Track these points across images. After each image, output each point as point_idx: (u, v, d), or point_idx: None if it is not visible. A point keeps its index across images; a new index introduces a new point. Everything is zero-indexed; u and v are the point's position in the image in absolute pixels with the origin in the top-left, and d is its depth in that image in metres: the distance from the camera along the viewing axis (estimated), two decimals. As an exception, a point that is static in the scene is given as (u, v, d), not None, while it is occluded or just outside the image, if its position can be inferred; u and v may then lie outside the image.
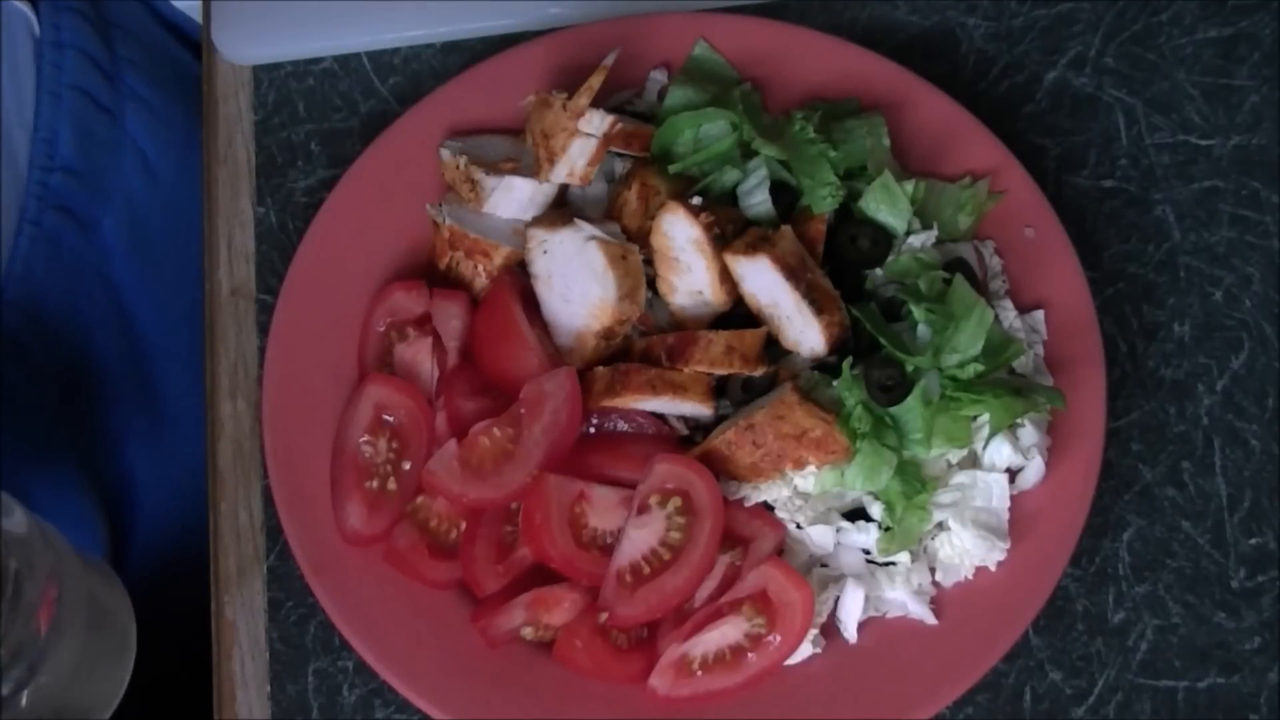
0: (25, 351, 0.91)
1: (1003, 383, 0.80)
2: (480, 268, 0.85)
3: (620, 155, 0.87)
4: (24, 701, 0.69)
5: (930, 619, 0.80)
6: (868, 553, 0.81)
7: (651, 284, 0.84)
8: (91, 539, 0.96)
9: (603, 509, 0.79)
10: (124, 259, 0.97)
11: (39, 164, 0.91)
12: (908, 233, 0.85)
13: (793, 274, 0.80)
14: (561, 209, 0.87)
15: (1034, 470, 0.81)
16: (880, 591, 0.80)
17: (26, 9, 0.91)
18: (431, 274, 0.87)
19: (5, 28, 0.90)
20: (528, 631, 0.80)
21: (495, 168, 0.86)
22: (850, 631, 0.80)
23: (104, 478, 0.98)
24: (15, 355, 0.91)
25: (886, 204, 0.85)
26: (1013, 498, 0.81)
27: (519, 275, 0.85)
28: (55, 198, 0.92)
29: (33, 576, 0.69)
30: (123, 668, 0.77)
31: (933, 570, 0.81)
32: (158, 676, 1.06)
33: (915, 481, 0.79)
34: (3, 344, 0.90)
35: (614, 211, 0.86)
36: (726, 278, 0.82)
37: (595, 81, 0.83)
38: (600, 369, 0.81)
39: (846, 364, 0.79)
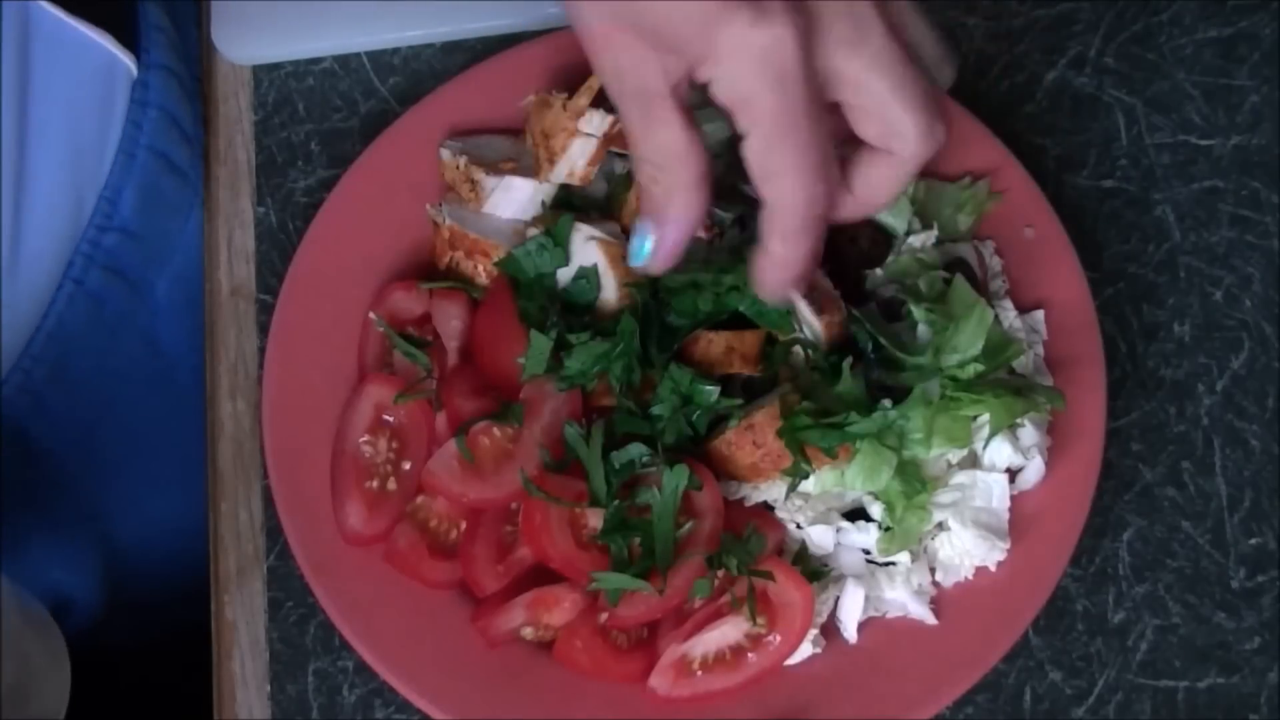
0: (44, 404, 0.91)
1: (1003, 383, 0.80)
2: (480, 268, 0.85)
3: (620, 155, 0.87)
4: None
5: (930, 619, 0.80)
6: (868, 553, 0.81)
7: (652, 284, 0.84)
8: (84, 589, 0.96)
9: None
10: (175, 320, 0.96)
11: (95, 223, 0.90)
12: (908, 233, 0.85)
13: (793, 274, 0.80)
14: (561, 209, 0.87)
15: (1034, 470, 0.81)
16: (880, 591, 0.80)
17: (131, 64, 0.89)
18: (431, 274, 0.87)
19: (112, 79, 0.89)
20: (528, 631, 0.80)
21: (495, 168, 0.86)
22: (850, 631, 0.80)
23: (118, 526, 0.99)
24: (34, 407, 0.91)
25: (886, 204, 0.85)
26: (1013, 498, 0.81)
27: (519, 275, 0.85)
28: (106, 257, 0.90)
29: None
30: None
31: (933, 570, 0.81)
32: (157, 677, 1.06)
33: (915, 481, 0.79)
34: (24, 395, 0.90)
35: (614, 211, 0.86)
36: (726, 278, 0.82)
37: (595, 82, 0.83)
38: (600, 369, 0.81)
39: (846, 364, 0.79)
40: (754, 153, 0.66)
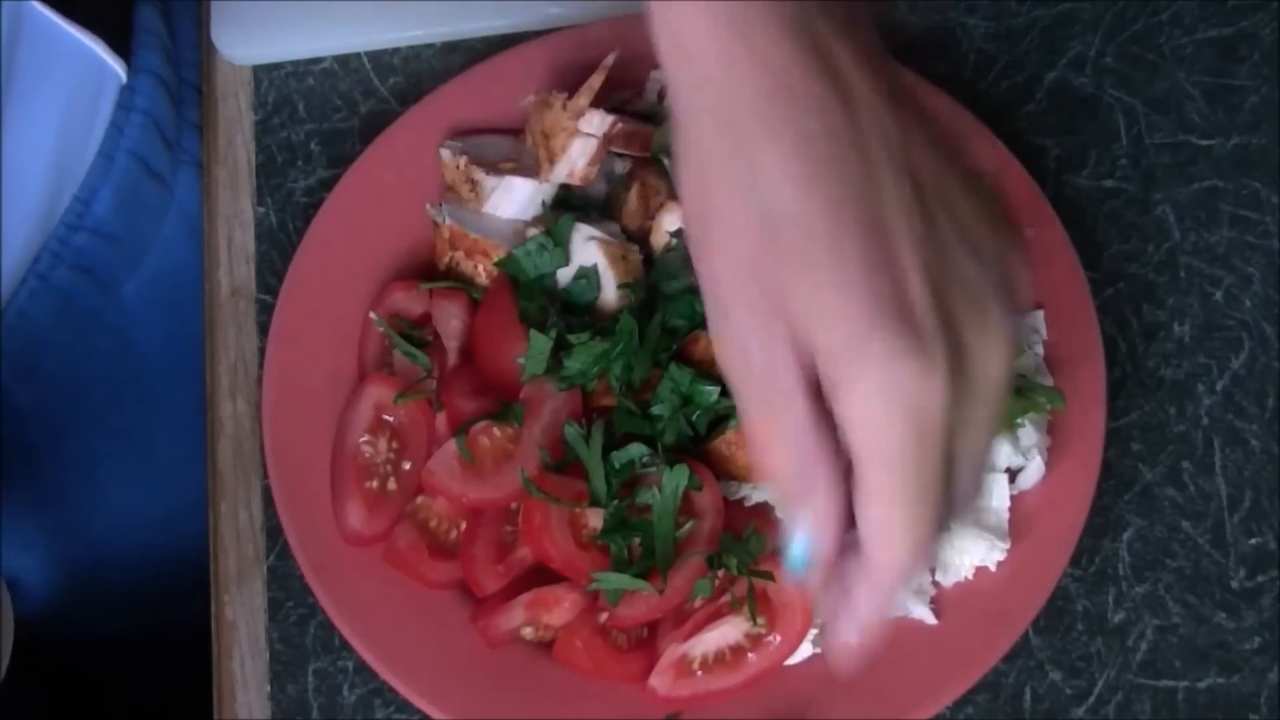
0: (5, 395, 0.91)
1: (1003, 383, 0.80)
2: (480, 268, 0.85)
3: (620, 155, 0.87)
4: None
5: (930, 619, 0.80)
6: (868, 553, 0.81)
7: (651, 284, 0.84)
8: (33, 571, 0.97)
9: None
10: (148, 321, 0.96)
11: (67, 222, 0.89)
12: (908, 233, 0.85)
13: (793, 274, 0.80)
14: (561, 209, 0.87)
15: (1034, 470, 0.82)
16: (880, 591, 0.80)
17: (121, 70, 0.89)
18: (431, 274, 0.87)
19: (100, 85, 0.89)
20: (528, 631, 0.80)
21: (495, 168, 0.86)
22: (850, 631, 0.80)
23: (84, 517, 0.99)
24: None
25: (886, 204, 0.85)
26: (1013, 498, 0.81)
27: (519, 275, 0.85)
28: (75, 256, 0.90)
29: None
30: None
31: (933, 570, 0.81)
32: (157, 677, 1.07)
33: (915, 481, 0.79)
34: None
35: (614, 211, 0.86)
36: (726, 278, 0.82)
37: (595, 82, 0.83)
38: (600, 369, 0.81)
39: (846, 364, 0.79)
40: (872, 509, 0.56)
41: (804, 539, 0.59)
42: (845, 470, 0.57)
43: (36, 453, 0.95)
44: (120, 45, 0.89)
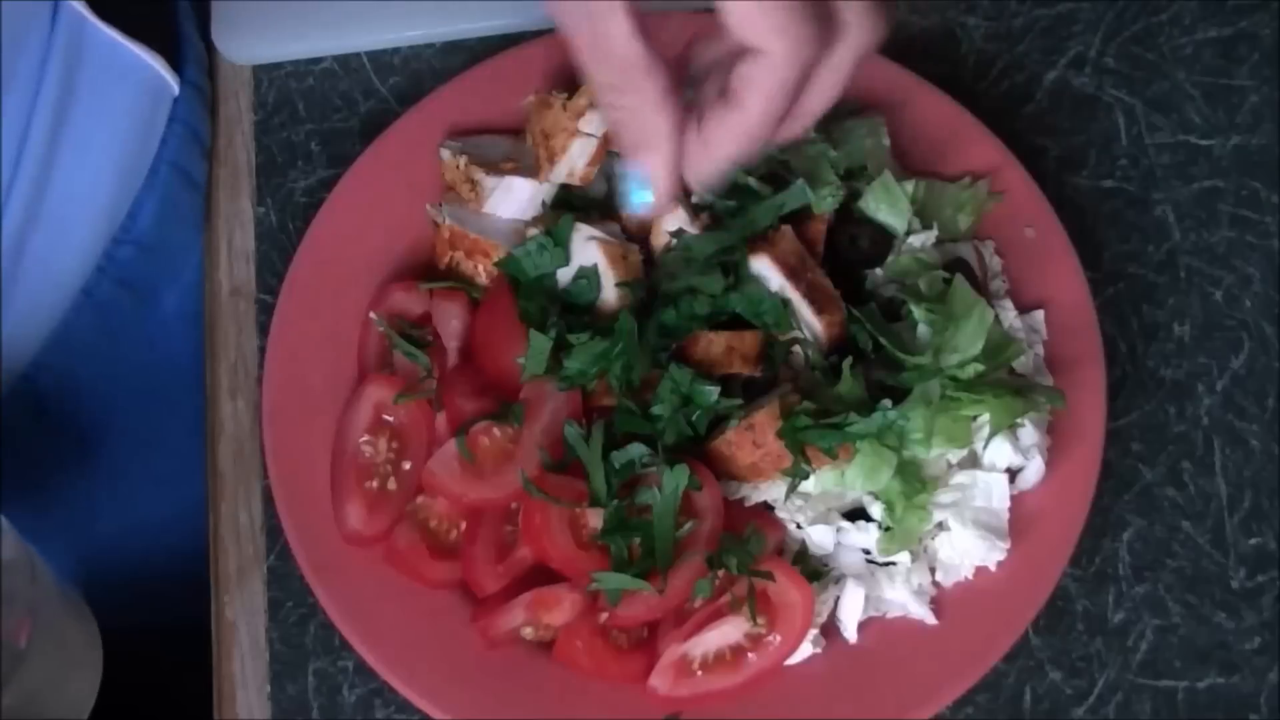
0: (44, 406, 0.92)
1: (1003, 383, 0.80)
2: (480, 268, 0.85)
3: (620, 155, 0.87)
4: None
5: (930, 619, 0.80)
6: (868, 553, 0.81)
7: (652, 284, 0.84)
8: (53, 568, 0.98)
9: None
10: (181, 329, 0.97)
11: (116, 237, 0.90)
12: (908, 233, 0.85)
13: (793, 274, 0.80)
14: (561, 209, 0.87)
15: (1034, 470, 0.82)
16: (880, 591, 0.80)
17: (175, 85, 0.89)
18: (431, 274, 0.87)
19: (157, 102, 0.89)
20: (528, 631, 0.80)
21: (495, 168, 0.86)
22: (850, 631, 0.80)
23: (102, 519, 1.00)
24: (32, 406, 0.92)
25: (886, 204, 0.85)
26: (1013, 498, 0.81)
27: (519, 275, 0.85)
28: (118, 269, 0.91)
29: (11, 606, 0.69)
30: (83, 705, 0.77)
31: (933, 570, 0.81)
32: (158, 677, 1.07)
33: (915, 481, 0.79)
34: (23, 399, 0.91)
35: (614, 211, 0.86)
36: (726, 278, 0.82)
37: (596, 82, 0.83)
38: (600, 369, 0.81)
39: (847, 364, 0.79)
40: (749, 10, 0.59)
41: (643, 172, 0.64)
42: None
43: (39, 453, 0.96)
44: (171, 60, 0.89)
